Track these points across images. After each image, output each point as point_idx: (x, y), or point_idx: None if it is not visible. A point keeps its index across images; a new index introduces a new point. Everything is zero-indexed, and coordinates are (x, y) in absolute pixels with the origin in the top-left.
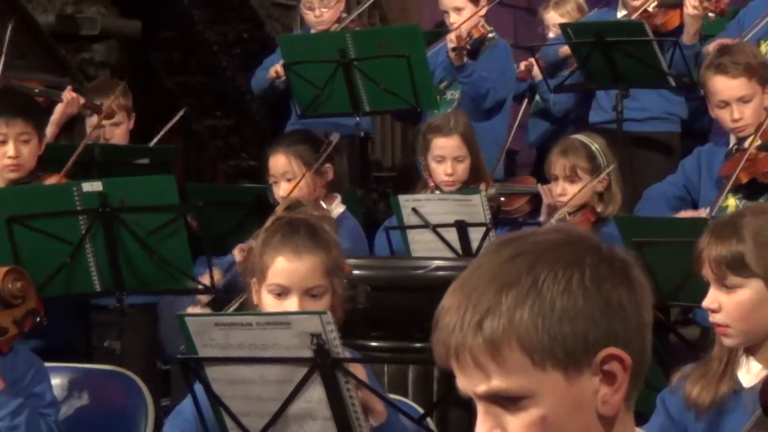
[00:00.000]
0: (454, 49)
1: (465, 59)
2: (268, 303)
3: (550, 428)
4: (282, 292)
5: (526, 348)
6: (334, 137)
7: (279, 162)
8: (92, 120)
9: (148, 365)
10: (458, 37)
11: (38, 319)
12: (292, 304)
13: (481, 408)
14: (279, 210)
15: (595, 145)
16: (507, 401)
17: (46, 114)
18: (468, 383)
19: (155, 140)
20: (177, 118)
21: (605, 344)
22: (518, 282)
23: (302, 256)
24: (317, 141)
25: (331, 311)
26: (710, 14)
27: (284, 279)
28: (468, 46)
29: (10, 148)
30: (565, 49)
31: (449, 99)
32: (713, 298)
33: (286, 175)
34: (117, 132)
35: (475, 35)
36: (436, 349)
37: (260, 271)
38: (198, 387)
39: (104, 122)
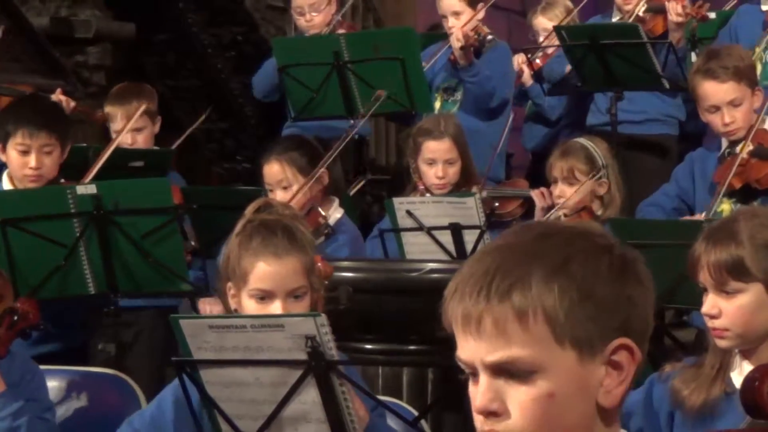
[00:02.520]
0: (462, 48)
1: (472, 58)
2: (250, 308)
3: (553, 407)
4: (265, 297)
5: (551, 321)
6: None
7: (273, 170)
8: (114, 125)
9: (160, 367)
10: (465, 36)
11: (16, 317)
12: (276, 308)
13: (483, 379)
14: (248, 212)
15: (596, 148)
16: (515, 373)
17: (70, 123)
18: (480, 350)
19: (177, 143)
20: (198, 122)
21: (620, 334)
22: (550, 258)
23: (283, 259)
24: (311, 146)
25: (312, 309)
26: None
27: (267, 284)
28: (477, 43)
29: (32, 159)
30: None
31: (450, 101)
32: (713, 303)
33: (282, 183)
34: (139, 138)
35: (481, 33)
36: (449, 313)
37: (240, 277)
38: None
39: (124, 126)
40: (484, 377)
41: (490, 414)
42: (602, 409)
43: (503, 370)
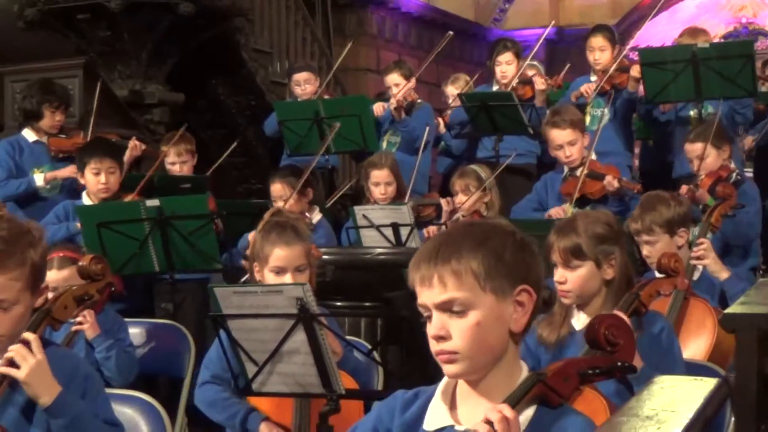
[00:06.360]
0: (396, 109)
1: (403, 115)
2: (270, 279)
3: (480, 332)
4: (280, 271)
5: (476, 276)
6: None
7: (276, 188)
8: (168, 159)
9: (200, 321)
10: (398, 101)
11: (113, 289)
12: (288, 278)
13: (435, 315)
14: (267, 216)
15: (483, 171)
16: (454, 310)
17: (123, 155)
18: (432, 295)
19: (210, 170)
20: (229, 150)
21: (522, 282)
22: (476, 237)
23: (292, 246)
24: (302, 173)
25: (309, 279)
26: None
27: (282, 262)
28: (404, 106)
29: (102, 177)
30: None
31: (392, 142)
32: (561, 275)
33: (282, 197)
34: (184, 167)
35: (409, 99)
36: (411, 276)
37: (263, 259)
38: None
39: (175, 160)
40: (435, 314)
41: (440, 338)
42: (512, 333)
43: (446, 308)
